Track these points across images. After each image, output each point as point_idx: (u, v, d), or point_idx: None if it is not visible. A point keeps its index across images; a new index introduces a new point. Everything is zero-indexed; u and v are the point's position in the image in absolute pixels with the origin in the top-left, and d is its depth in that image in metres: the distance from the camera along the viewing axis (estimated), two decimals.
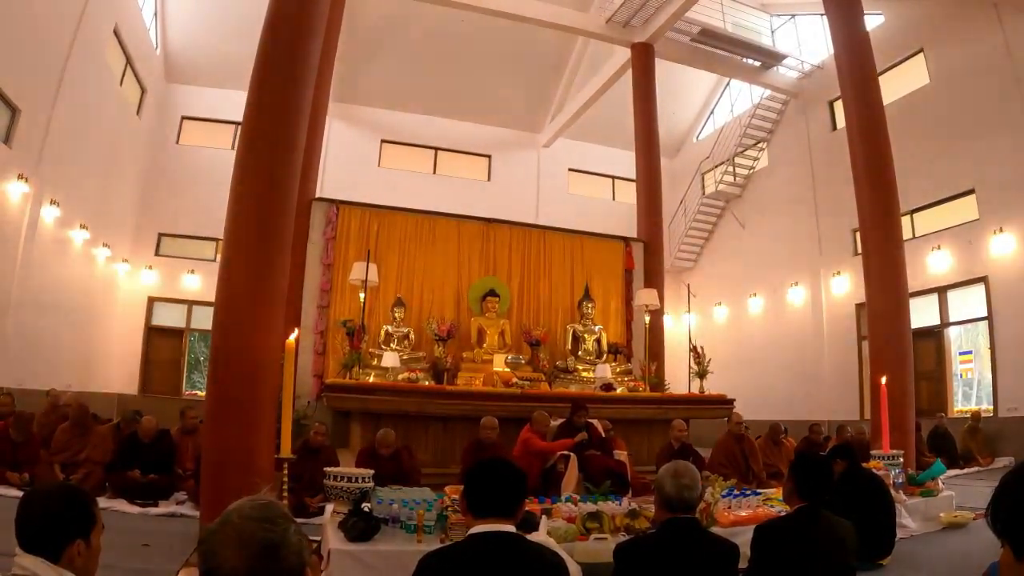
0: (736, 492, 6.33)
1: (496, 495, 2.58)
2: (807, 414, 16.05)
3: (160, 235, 19.05)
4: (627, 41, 17.23)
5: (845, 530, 3.60)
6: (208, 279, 17.83)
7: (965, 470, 12.27)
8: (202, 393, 17.10)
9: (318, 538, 5.75)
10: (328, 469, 5.53)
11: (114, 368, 17.49)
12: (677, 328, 19.26)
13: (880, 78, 11.30)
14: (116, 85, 16.34)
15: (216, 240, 17.72)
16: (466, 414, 9.00)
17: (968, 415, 13.85)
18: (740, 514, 5.96)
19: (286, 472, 4.89)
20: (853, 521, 3.73)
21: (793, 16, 20.20)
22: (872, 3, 15.07)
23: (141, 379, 18.33)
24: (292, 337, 5.04)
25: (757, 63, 19.38)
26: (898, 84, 16.07)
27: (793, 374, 18.16)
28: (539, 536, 4.79)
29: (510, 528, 2.56)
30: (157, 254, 18.94)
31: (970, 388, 15.13)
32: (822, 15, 14.90)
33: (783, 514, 3.88)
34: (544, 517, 5.24)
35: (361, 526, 4.79)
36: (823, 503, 3.66)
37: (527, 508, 5.01)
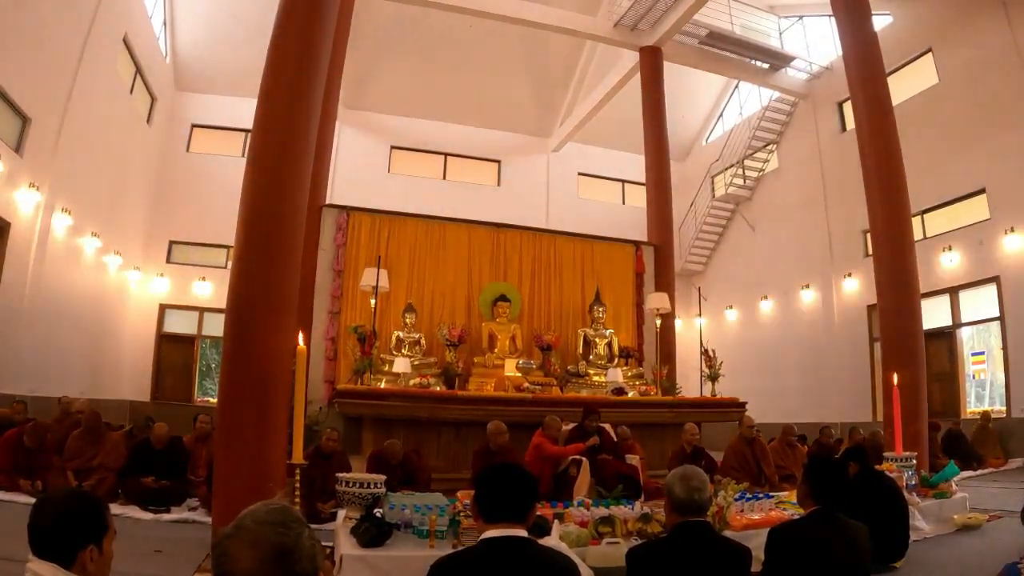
0: (748, 495, 6.31)
1: (507, 500, 2.58)
2: (819, 416, 16.00)
3: (171, 242, 19.12)
4: (635, 45, 17.23)
5: (859, 533, 3.59)
6: (219, 286, 17.91)
7: (979, 472, 12.21)
8: (214, 400, 17.15)
9: (330, 543, 5.76)
10: (340, 475, 5.54)
11: (126, 375, 17.55)
12: (688, 331, 19.23)
13: (889, 78, 11.27)
14: (126, 93, 16.43)
15: (227, 247, 17.76)
16: (478, 419, 8.99)
17: (979, 415, 13.79)
18: (752, 517, 5.94)
19: (298, 478, 4.89)
20: (866, 524, 3.71)
21: (801, 17, 20.16)
22: (880, 3, 15.06)
23: (153, 386, 18.38)
24: (301, 343, 5.05)
25: (765, 65, 19.33)
26: (907, 84, 16.01)
27: (804, 376, 18.11)
28: (551, 540, 4.79)
29: (522, 533, 2.55)
30: (168, 261, 19.02)
31: (983, 389, 15.05)
32: (830, 16, 14.90)
33: (797, 517, 3.86)
34: (556, 521, 5.23)
35: (373, 531, 4.79)
36: (837, 506, 3.65)
37: (539, 513, 5.00)
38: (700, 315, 16.84)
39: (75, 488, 2.23)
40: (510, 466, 2.75)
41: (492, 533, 2.54)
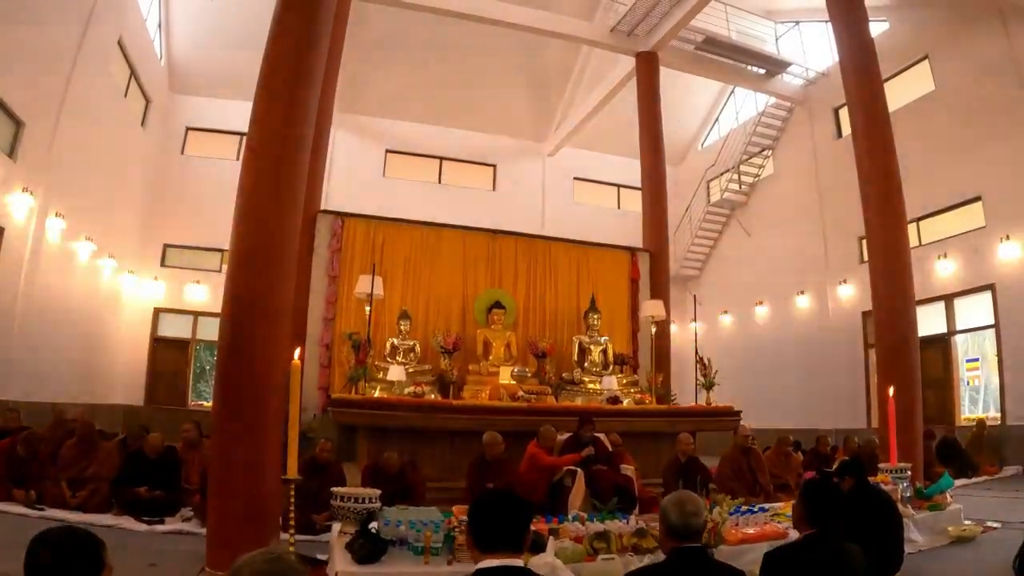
0: (743, 509, 6.30)
1: (502, 530, 2.56)
2: (813, 422, 16.05)
3: (165, 246, 19.07)
4: (631, 50, 17.24)
5: (855, 556, 3.57)
6: (214, 290, 17.89)
7: (974, 480, 12.22)
8: (208, 404, 17.12)
9: (325, 556, 5.74)
10: (335, 489, 5.51)
11: (120, 380, 17.49)
12: (683, 336, 19.21)
13: (885, 85, 11.27)
14: (120, 96, 16.37)
15: (222, 251, 17.77)
16: (473, 428, 8.93)
17: (974, 423, 13.81)
18: (748, 531, 5.93)
19: (293, 490, 4.87)
20: (861, 539, 3.70)
21: (797, 23, 20.18)
22: (877, 10, 15.10)
23: (147, 390, 18.31)
24: (296, 356, 5.02)
25: (762, 71, 19.37)
26: (903, 91, 16.04)
27: (799, 382, 18.12)
28: (546, 557, 4.76)
29: (518, 562, 2.53)
30: (162, 265, 18.96)
31: (977, 393, 15.07)
32: (826, 22, 14.87)
33: (793, 540, 3.85)
34: (551, 538, 5.21)
35: (368, 548, 4.78)
36: (833, 528, 3.64)
37: (534, 528, 4.97)
38: (695, 320, 16.83)
39: (72, 527, 2.15)
40: (504, 494, 2.73)
41: (487, 563, 2.51)
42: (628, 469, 8.53)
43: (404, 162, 22.01)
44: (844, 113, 16.38)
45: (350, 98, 19.82)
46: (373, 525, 5.13)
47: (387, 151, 21.87)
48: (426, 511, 5.55)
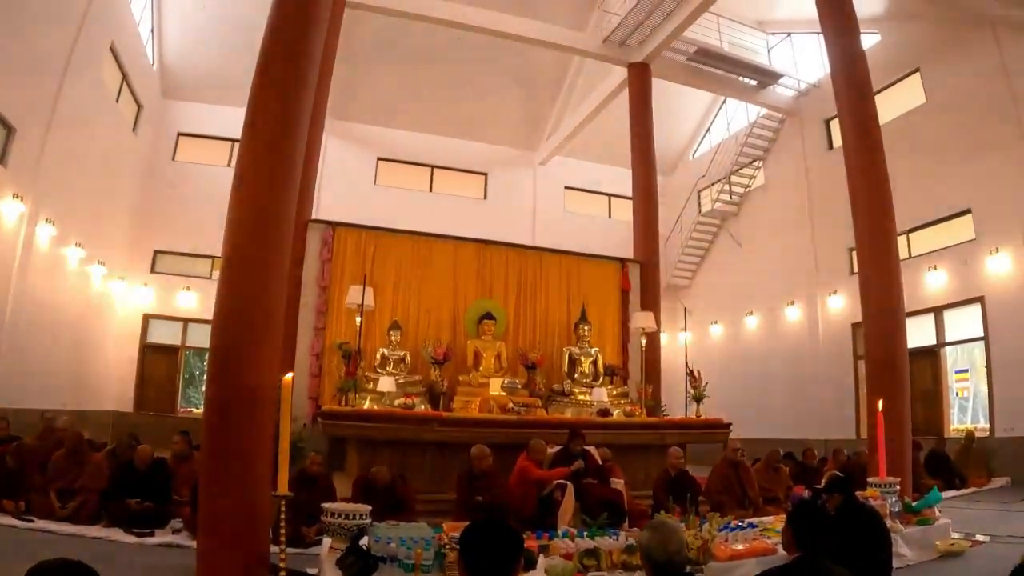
0: (733, 525, 6.30)
1: (492, 563, 2.54)
2: (803, 433, 16.07)
3: (156, 252, 19.00)
4: (624, 60, 17.27)
5: None
6: (204, 296, 17.83)
7: (962, 491, 12.24)
8: (197, 410, 17.07)
9: (315, 571, 5.72)
10: (326, 505, 5.49)
11: (109, 386, 17.41)
12: (673, 346, 19.24)
13: (876, 97, 11.28)
14: (112, 102, 16.32)
15: (212, 257, 17.77)
16: (462, 440, 8.92)
17: (963, 433, 13.84)
18: (737, 547, 5.93)
19: (283, 508, 4.85)
20: (850, 556, 3.71)
21: (789, 35, 20.27)
22: (868, 22, 15.16)
23: (136, 397, 18.22)
24: (288, 376, 5.00)
25: (753, 82, 19.44)
26: (894, 103, 16.13)
27: (789, 393, 18.15)
28: (537, 574, 4.77)
29: None
30: (153, 271, 18.89)
31: (967, 401, 15.12)
32: (818, 34, 14.96)
33: (781, 564, 3.85)
34: (541, 555, 5.21)
35: (359, 565, 4.76)
36: (821, 551, 3.65)
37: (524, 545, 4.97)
38: (685, 331, 16.85)
39: (65, 560, 2.15)
40: (494, 526, 2.69)
41: None
42: (618, 483, 8.53)
43: (395, 170, 22.02)
44: (835, 125, 16.41)
45: (342, 105, 19.80)
46: (364, 541, 5.12)
47: (378, 159, 21.87)
48: (416, 527, 5.53)
